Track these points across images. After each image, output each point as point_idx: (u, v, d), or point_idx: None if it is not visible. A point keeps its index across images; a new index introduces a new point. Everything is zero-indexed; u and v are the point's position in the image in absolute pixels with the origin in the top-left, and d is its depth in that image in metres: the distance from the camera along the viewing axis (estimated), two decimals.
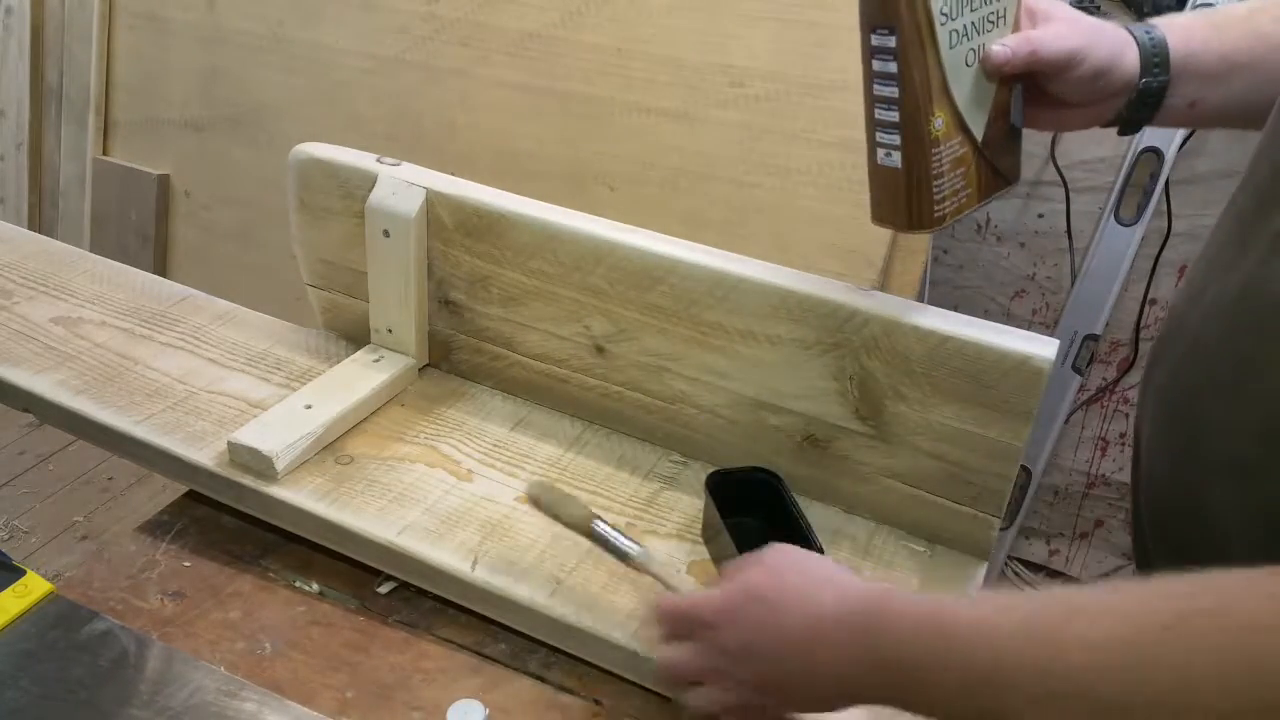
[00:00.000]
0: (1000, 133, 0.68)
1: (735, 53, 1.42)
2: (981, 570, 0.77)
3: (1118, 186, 1.58)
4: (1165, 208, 1.59)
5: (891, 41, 0.63)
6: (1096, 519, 1.90)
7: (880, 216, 0.69)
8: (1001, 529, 0.86)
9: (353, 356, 0.91)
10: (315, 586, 0.75)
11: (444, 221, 0.85)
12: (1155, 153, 1.54)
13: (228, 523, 0.80)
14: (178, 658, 0.67)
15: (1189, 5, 1.46)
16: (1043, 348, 0.69)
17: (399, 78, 1.68)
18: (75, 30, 1.98)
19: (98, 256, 1.07)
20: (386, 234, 0.86)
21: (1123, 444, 1.83)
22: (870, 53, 0.65)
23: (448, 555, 0.73)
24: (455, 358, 0.92)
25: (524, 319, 0.86)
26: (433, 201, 0.85)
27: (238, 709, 0.64)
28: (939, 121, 0.64)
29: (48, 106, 2.07)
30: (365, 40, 1.68)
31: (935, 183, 0.65)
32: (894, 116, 0.65)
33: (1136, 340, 1.73)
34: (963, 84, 0.65)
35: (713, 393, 0.81)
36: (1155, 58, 0.68)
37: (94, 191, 2.03)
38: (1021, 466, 1.74)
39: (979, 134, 0.67)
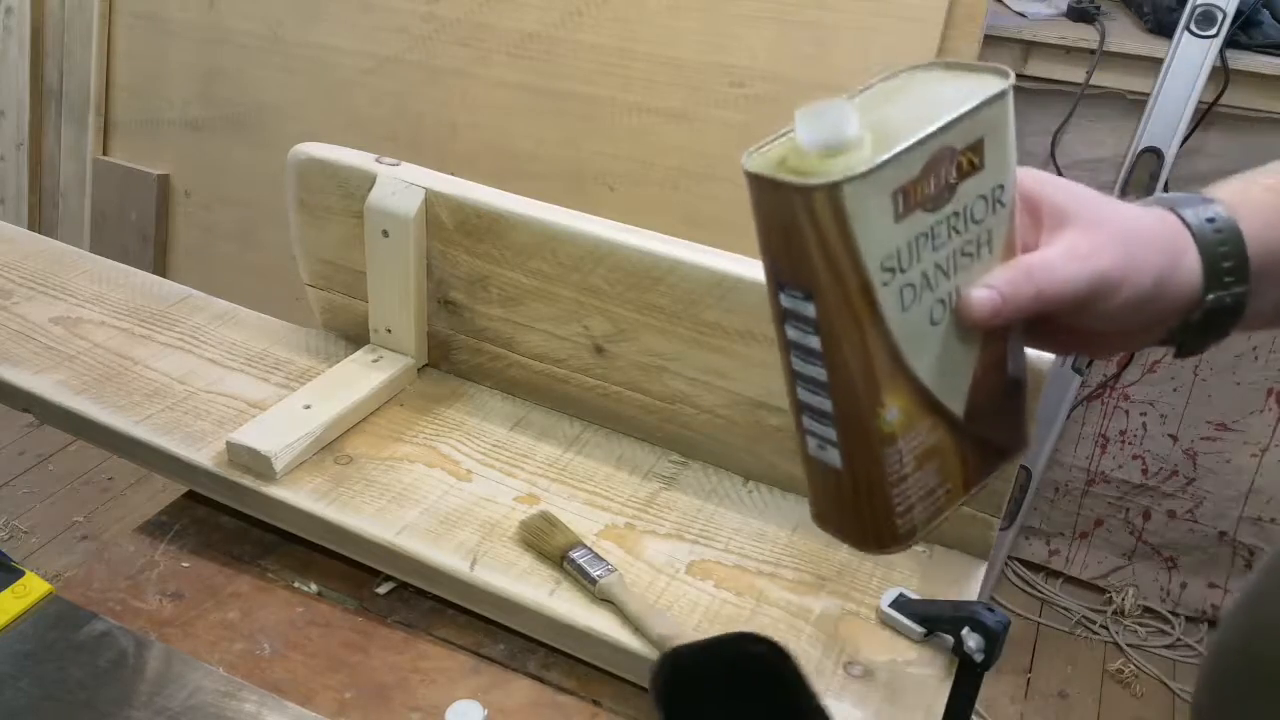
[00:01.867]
0: (992, 395, 0.48)
1: (735, 53, 1.42)
2: (981, 570, 0.77)
3: (1118, 187, 1.58)
4: None
5: (810, 309, 0.43)
6: (1096, 518, 1.90)
7: (823, 520, 0.50)
8: (1001, 529, 0.86)
9: (352, 356, 0.91)
10: (314, 587, 0.75)
11: (443, 221, 0.85)
12: (1155, 153, 1.54)
13: (227, 523, 0.80)
14: (177, 658, 0.67)
15: (1189, 4, 1.46)
16: None
17: (399, 78, 1.68)
18: (75, 30, 1.98)
19: (97, 256, 1.07)
20: (386, 234, 0.86)
21: (1122, 441, 1.83)
22: (780, 315, 0.45)
23: (447, 555, 0.73)
24: (455, 358, 0.92)
25: (523, 319, 0.86)
26: (432, 201, 0.85)
27: (237, 709, 0.64)
28: (892, 413, 0.45)
29: (48, 106, 2.07)
30: (365, 40, 1.69)
31: (895, 490, 0.46)
32: (824, 405, 0.46)
33: None
34: (927, 351, 0.45)
35: (712, 393, 0.81)
36: (1226, 262, 0.47)
37: (94, 191, 2.03)
38: (1021, 466, 1.74)
39: (958, 408, 0.47)
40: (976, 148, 0.44)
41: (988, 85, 0.44)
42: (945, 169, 0.43)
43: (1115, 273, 0.45)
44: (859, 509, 0.48)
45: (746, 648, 0.50)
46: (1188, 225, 0.47)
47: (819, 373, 0.45)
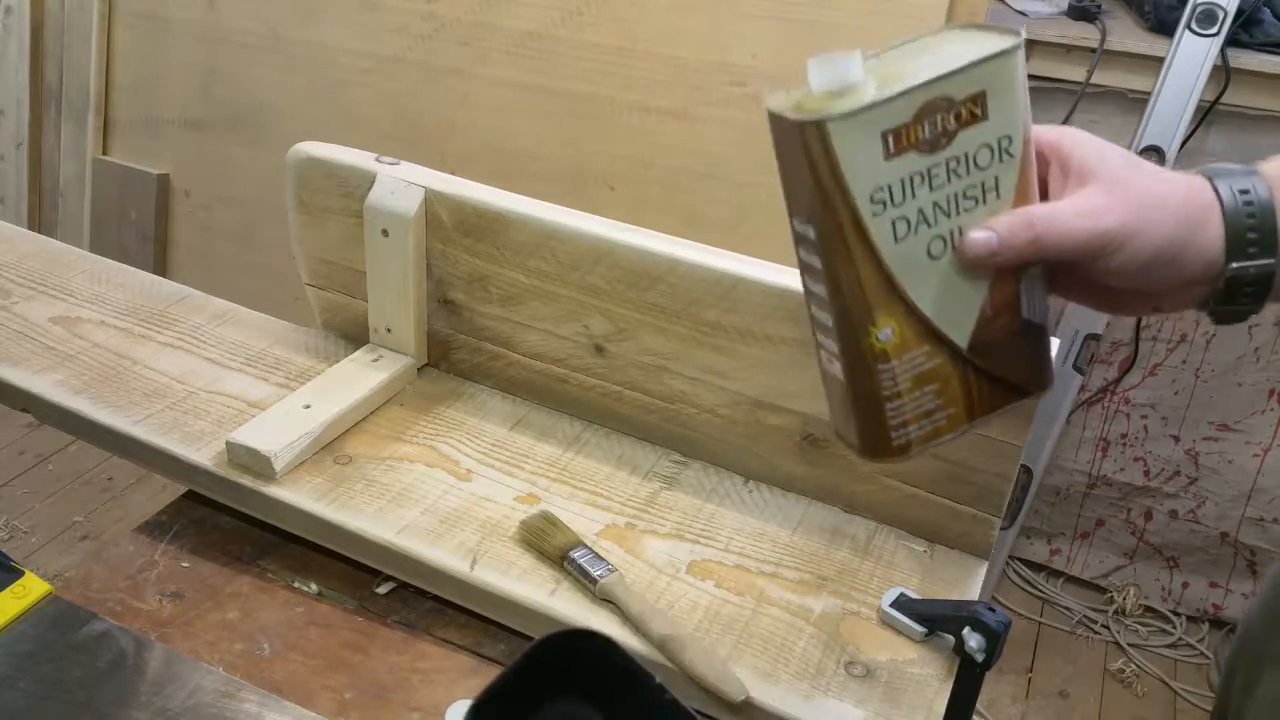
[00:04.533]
0: (1006, 332, 0.51)
1: (736, 52, 1.42)
2: (982, 570, 0.76)
3: None
4: None
5: (811, 233, 0.49)
6: (1098, 518, 1.90)
7: (836, 427, 0.55)
8: (1002, 529, 0.86)
9: (351, 356, 0.91)
10: (314, 587, 0.75)
11: (443, 221, 0.85)
12: (1156, 151, 1.53)
13: (226, 523, 0.80)
14: (176, 658, 0.67)
15: (1190, 3, 1.46)
16: None
17: (398, 77, 1.67)
18: (75, 30, 1.98)
19: (97, 256, 1.07)
20: (385, 233, 0.86)
21: (1123, 444, 1.82)
22: (795, 239, 0.51)
23: (447, 555, 0.73)
24: (454, 357, 0.92)
25: (523, 318, 0.86)
26: (431, 201, 0.85)
27: (236, 710, 0.64)
28: (885, 332, 0.49)
29: (48, 106, 2.07)
30: (365, 40, 1.68)
31: (889, 404, 0.51)
32: (828, 321, 0.51)
33: (1137, 340, 1.73)
34: (926, 283, 0.49)
35: (712, 392, 0.81)
36: (1252, 232, 0.48)
37: (94, 191, 2.03)
38: (1022, 466, 1.74)
39: (963, 340, 0.50)
40: (978, 99, 0.47)
41: (997, 44, 0.48)
42: (942, 116, 0.47)
43: (1120, 231, 0.47)
44: (858, 418, 0.52)
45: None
46: (1219, 195, 0.49)
47: (822, 291, 0.50)
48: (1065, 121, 1.62)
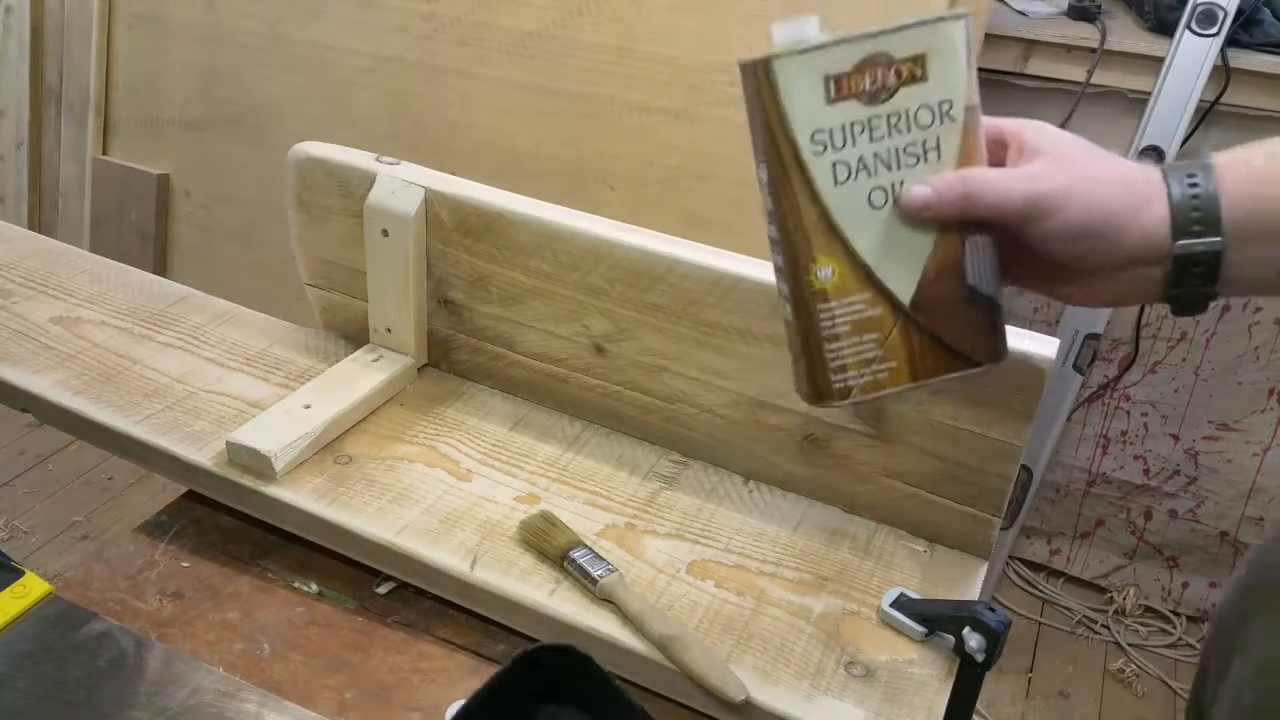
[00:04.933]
0: (949, 296, 0.53)
1: (735, 52, 1.41)
2: (982, 570, 0.76)
3: None
4: None
5: (764, 173, 0.53)
6: (1098, 518, 1.90)
7: (794, 382, 0.57)
8: (1002, 528, 0.86)
9: (352, 356, 0.91)
10: (314, 587, 0.75)
11: (443, 221, 0.85)
12: (1156, 151, 1.53)
13: (226, 523, 0.80)
14: (176, 658, 0.67)
15: (1190, 3, 1.46)
16: (1043, 347, 0.69)
17: (398, 77, 1.67)
18: (75, 30, 1.98)
19: (97, 256, 1.07)
20: (385, 233, 0.86)
21: (1123, 441, 1.82)
22: (759, 185, 0.54)
23: (447, 555, 0.73)
24: (454, 357, 0.92)
25: (523, 318, 0.86)
26: (432, 201, 0.85)
27: (236, 709, 0.64)
28: (825, 271, 0.52)
29: (48, 106, 2.07)
30: (365, 39, 1.68)
31: (828, 345, 0.53)
32: (780, 261, 0.54)
33: (1137, 339, 1.73)
34: (867, 230, 0.52)
35: (712, 392, 0.81)
36: (1195, 212, 0.49)
37: (94, 191, 2.03)
38: (1022, 466, 1.74)
39: (904, 295, 0.52)
40: (918, 60, 0.51)
41: (941, 14, 0.51)
42: (882, 70, 0.51)
43: (1055, 193, 0.50)
44: (804, 363, 0.55)
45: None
46: (1166, 179, 0.51)
47: (774, 232, 0.53)
48: (1066, 121, 1.62)
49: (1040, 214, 0.50)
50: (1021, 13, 1.65)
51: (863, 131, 0.51)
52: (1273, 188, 0.49)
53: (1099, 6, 1.63)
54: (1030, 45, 1.59)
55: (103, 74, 1.95)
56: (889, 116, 0.51)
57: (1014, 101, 1.64)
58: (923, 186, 0.51)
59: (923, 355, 0.53)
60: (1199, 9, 1.46)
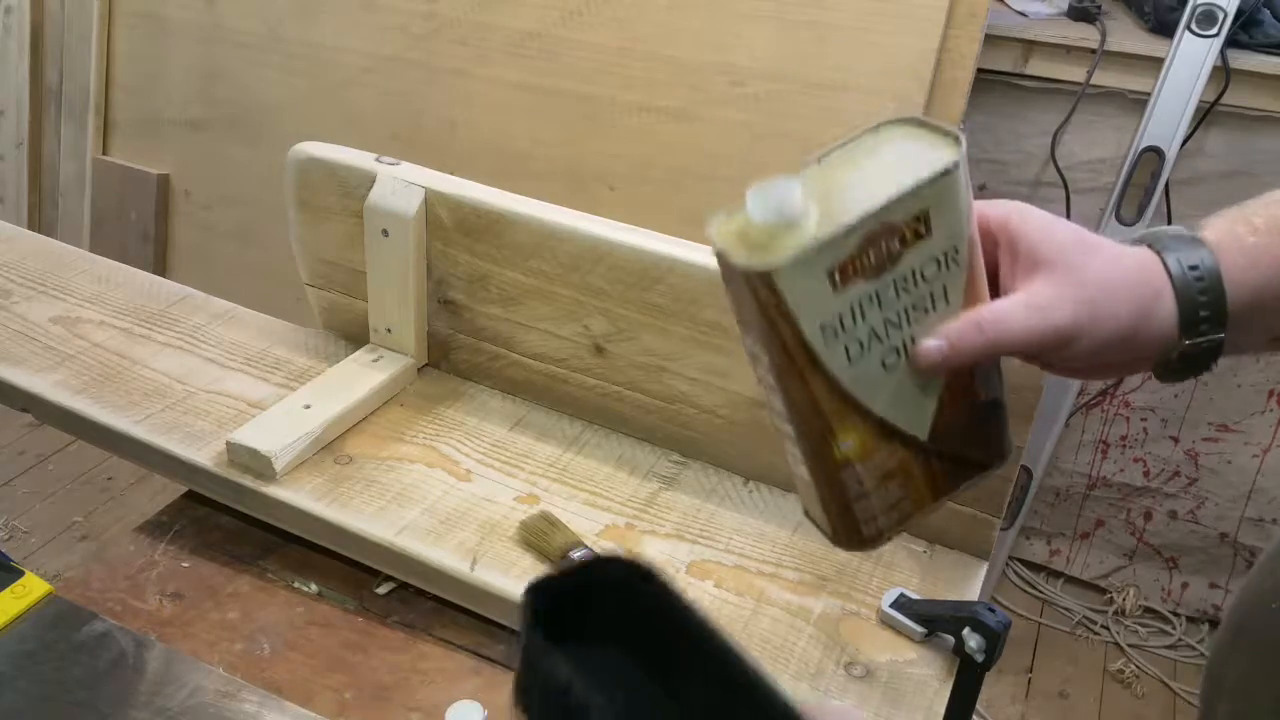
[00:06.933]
0: (963, 417, 0.51)
1: (735, 52, 1.42)
2: (982, 570, 0.76)
3: (1119, 187, 1.58)
4: (1166, 208, 1.59)
5: (765, 359, 0.48)
6: (1097, 519, 1.90)
7: (806, 508, 0.56)
8: (1002, 529, 0.86)
9: (352, 356, 0.91)
10: (314, 587, 0.75)
11: (443, 221, 0.85)
12: (1156, 152, 1.53)
13: (226, 523, 0.80)
14: (176, 658, 0.67)
15: (1189, 4, 1.46)
16: None
17: (399, 77, 1.67)
18: (75, 30, 1.98)
19: (97, 256, 1.07)
20: (385, 233, 0.86)
21: (1123, 445, 1.82)
22: (749, 356, 0.50)
23: (447, 555, 0.73)
24: (454, 357, 0.92)
25: (523, 318, 0.86)
26: (432, 201, 0.85)
27: (236, 710, 0.64)
28: (846, 444, 0.49)
29: (48, 106, 2.07)
30: (365, 39, 1.68)
31: (857, 504, 0.51)
32: (789, 430, 0.50)
33: None
34: (883, 391, 0.49)
35: (712, 393, 0.81)
36: (1204, 310, 0.48)
37: (94, 191, 2.03)
38: (1022, 467, 1.74)
39: (921, 433, 0.51)
40: (922, 218, 0.46)
41: (939, 156, 0.46)
42: (886, 241, 0.46)
43: (1072, 326, 0.47)
44: (829, 515, 0.52)
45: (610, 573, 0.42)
46: (1169, 271, 0.49)
47: (780, 405, 0.49)
48: (1065, 122, 1.62)
49: (1055, 346, 0.48)
50: (1021, 13, 1.65)
51: (872, 303, 0.47)
52: (1270, 269, 0.49)
53: (1099, 7, 1.63)
54: (1030, 46, 1.59)
55: (103, 74, 1.95)
56: (895, 281, 0.47)
57: (1014, 102, 1.64)
58: (937, 342, 0.48)
59: (942, 476, 0.52)
60: (1199, 10, 1.46)
